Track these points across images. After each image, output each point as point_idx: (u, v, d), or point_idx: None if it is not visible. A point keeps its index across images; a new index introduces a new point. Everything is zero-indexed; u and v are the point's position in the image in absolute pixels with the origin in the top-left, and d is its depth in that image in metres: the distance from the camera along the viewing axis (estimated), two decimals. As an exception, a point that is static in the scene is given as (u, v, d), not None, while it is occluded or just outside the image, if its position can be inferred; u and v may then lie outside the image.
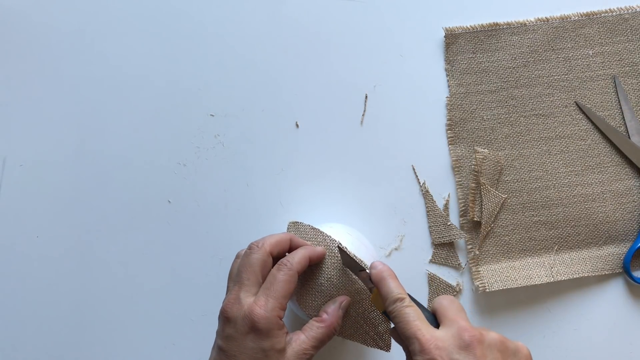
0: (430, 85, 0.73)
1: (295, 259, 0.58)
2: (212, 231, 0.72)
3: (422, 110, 0.73)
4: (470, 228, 0.72)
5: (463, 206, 0.72)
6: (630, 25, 0.73)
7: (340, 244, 0.61)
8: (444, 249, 0.72)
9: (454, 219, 0.72)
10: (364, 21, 0.73)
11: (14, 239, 0.72)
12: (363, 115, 0.73)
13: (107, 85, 0.73)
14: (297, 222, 0.64)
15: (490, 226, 0.72)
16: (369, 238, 0.69)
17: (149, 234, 0.72)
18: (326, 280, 0.60)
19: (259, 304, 0.56)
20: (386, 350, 0.62)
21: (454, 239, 0.72)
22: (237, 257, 0.62)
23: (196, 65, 0.73)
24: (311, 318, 0.61)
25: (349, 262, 0.60)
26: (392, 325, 0.56)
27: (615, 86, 0.73)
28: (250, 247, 0.59)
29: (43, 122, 0.73)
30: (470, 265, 0.71)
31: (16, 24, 0.74)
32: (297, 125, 0.73)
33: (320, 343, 0.58)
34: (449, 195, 0.73)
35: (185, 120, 0.73)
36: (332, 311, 0.59)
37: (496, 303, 0.71)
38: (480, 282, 0.70)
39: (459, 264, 0.72)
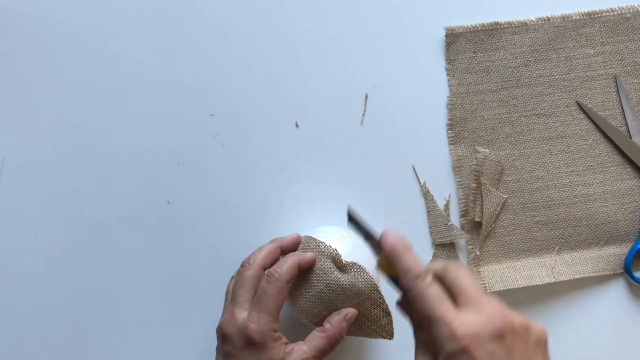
0: (430, 85, 0.73)
1: (284, 269, 0.59)
2: (212, 231, 0.72)
3: (422, 110, 0.73)
4: (471, 228, 0.72)
5: (464, 206, 0.72)
6: (631, 25, 0.73)
7: (350, 208, 0.58)
8: (444, 249, 0.72)
9: (455, 219, 0.72)
10: (364, 21, 0.73)
11: (13, 239, 0.72)
12: (363, 115, 0.73)
13: (107, 85, 0.73)
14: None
15: (491, 226, 0.71)
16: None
17: (149, 234, 0.72)
18: (325, 287, 0.60)
19: (252, 319, 0.57)
20: (389, 339, 0.62)
21: (455, 239, 0.72)
22: (232, 277, 0.64)
23: (196, 64, 0.73)
24: (314, 325, 0.61)
25: (355, 224, 0.56)
26: (399, 296, 0.53)
27: (617, 86, 0.72)
28: (242, 266, 0.61)
29: (42, 122, 0.73)
30: (471, 266, 0.71)
31: (16, 24, 0.73)
32: (297, 125, 0.73)
33: (322, 353, 0.59)
34: (449, 196, 0.72)
35: (185, 120, 0.73)
36: (335, 322, 0.60)
37: (497, 303, 0.71)
38: (481, 282, 0.70)
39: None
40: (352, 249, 0.64)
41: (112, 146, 0.72)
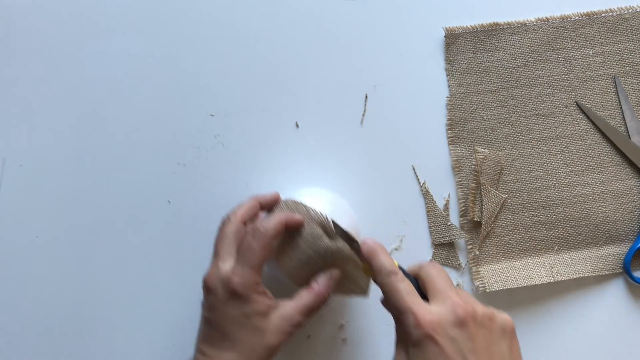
0: (430, 85, 0.73)
1: (271, 224, 0.59)
2: (212, 231, 0.71)
3: (422, 110, 0.73)
4: (470, 228, 0.72)
5: (463, 206, 0.72)
6: (630, 25, 0.73)
7: (324, 216, 0.61)
8: (444, 249, 0.72)
9: (454, 219, 0.72)
10: (364, 21, 0.73)
11: (14, 239, 0.72)
12: (363, 115, 0.73)
13: (107, 85, 0.73)
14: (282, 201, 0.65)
15: (490, 226, 0.72)
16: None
17: (149, 234, 0.72)
18: (314, 252, 0.61)
19: (235, 271, 0.58)
20: (364, 297, 0.63)
21: (454, 239, 0.72)
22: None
23: (196, 65, 0.73)
24: (300, 287, 0.62)
25: (341, 233, 0.60)
26: (382, 297, 0.57)
27: (616, 86, 0.73)
28: (222, 222, 0.62)
29: (43, 123, 0.73)
30: (471, 266, 0.71)
31: (16, 24, 0.74)
32: (297, 125, 0.73)
33: (309, 310, 0.59)
34: (449, 196, 0.73)
35: (185, 120, 0.73)
36: (322, 281, 0.61)
37: (496, 303, 0.71)
38: (481, 282, 0.70)
39: (459, 264, 0.72)
40: (338, 212, 0.64)
41: (112, 146, 0.72)
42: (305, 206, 0.62)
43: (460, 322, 0.51)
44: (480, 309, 0.53)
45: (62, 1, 0.74)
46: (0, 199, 0.72)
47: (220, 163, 0.73)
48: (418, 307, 0.52)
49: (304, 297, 0.60)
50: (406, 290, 0.53)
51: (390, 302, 0.54)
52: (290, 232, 0.61)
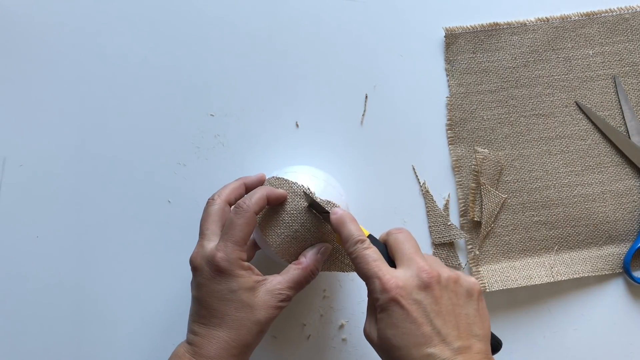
0: (430, 85, 0.73)
1: (252, 200, 0.59)
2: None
3: (422, 110, 0.73)
4: (470, 228, 0.72)
5: (463, 206, 0.72)
6: (630, 25, 0.73)
7: (306, 188, 0.62)
8: (444, 248, 0.72)
9: (454, 219, 0.72)
10: (364, 21, 0.73)
11: (14, 239, 0.72)
12: (363, 115, 0.73)
13: (107, 85, 0.73)
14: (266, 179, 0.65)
15: (490, 226, 0.72)
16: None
17: (149, 234, 0.72)
18: (300, 226, 0.61)
19: (219, 248, 0.58)
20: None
21: (454, 239, 0.72)
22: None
23: (196, 65, 0.73)
24: (290, 263, 0.62)
25: (314, 205, 0.61)
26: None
27: (616, 86, 0.73)
28: (207, 202, 0.62)
29: (43, 122, 0.73)
30: (471, 265, 0.71)
31: (16, 24, 0.74)
32: (297, 125, 0.73)
33: (297, 285, 0.60)
34: (449, 195, 0.73)
35: (185, 120, 0.73)
36: (310, 255, 0.61)
37: (496, 303, 0.71)
38: (481, 282, 0.70)
39: (459, 264, 0.72)
40: (324, 187, 0.65)
41: (112, 146, 0.72)
42: (288, 181, 0.62)
43: (425, 286, 0.53)
44: (446, 272, 0.55)
45: (62, 1, 0.74)
46: (0, 199, 0.72)
47: (220, 163, 0.73)
48: (384, 273, 0.54)
49: (291, 272, 0.60)
50: (372, 257, 0.55)
51: (358, 270, 0.56)
52: (275, 208, 0.62)
